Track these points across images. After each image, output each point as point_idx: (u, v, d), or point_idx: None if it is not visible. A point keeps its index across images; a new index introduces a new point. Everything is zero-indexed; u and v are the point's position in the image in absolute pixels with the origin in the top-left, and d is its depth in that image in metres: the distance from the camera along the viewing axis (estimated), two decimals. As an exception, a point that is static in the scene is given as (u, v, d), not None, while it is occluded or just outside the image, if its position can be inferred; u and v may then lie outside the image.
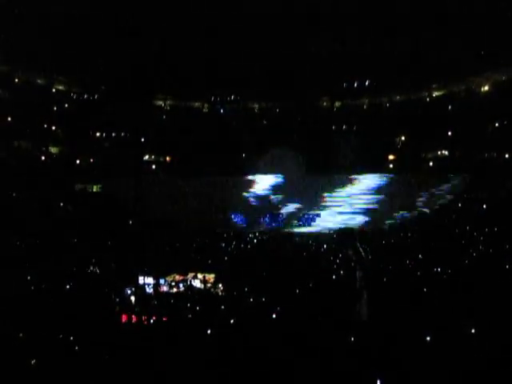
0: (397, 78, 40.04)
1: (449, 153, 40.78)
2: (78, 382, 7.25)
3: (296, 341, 8.84)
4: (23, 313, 10.94)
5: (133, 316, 11.57)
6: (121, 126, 41.22)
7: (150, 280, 15.09)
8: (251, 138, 43.41)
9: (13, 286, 13.90)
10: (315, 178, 39.08)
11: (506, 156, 36.00)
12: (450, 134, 39.75)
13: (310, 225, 37.80)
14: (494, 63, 36.79)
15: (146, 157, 42.87)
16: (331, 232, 34.57)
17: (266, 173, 41.13)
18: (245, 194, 40.30)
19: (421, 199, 37.13)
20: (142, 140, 41.10)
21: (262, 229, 37.02)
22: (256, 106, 46.28)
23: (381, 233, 32.96)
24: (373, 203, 38.14)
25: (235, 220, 38.92)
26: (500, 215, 27.61)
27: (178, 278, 16.11)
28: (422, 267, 17.79)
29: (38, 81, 40.99)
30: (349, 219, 37.43)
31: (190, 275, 16.15)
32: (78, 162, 40.63)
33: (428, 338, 8.81)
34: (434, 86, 42.49)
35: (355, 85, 40.82)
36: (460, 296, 12.47)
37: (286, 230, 36.54)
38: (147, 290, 14.84)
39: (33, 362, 7.65)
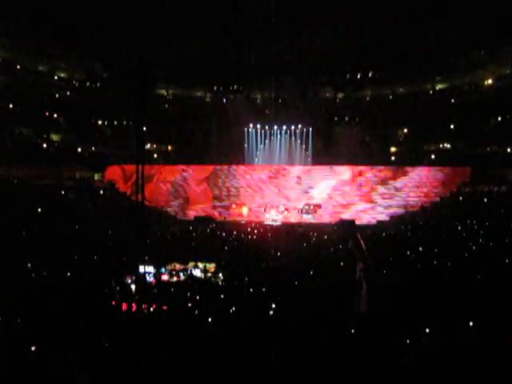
0: (400, 70, 39.89)
1: (451, 146, 40.75)
2: (77, 370, 7.28)
3: (295, 331, 8.87)
4: (23, 300, 10.98)
5: (133, 304, 11.61)
6: (123, 115, 41.12)
7: (150, 269, 15.13)
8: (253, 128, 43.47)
9: (13, 274, 13.93)
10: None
11: (508, 150, 35.94)
12: (452, 127, 39.70)
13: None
14: (498, 56, 36.60)
15: (148, 145, 42.83)
16: (332, 223, 34.66)
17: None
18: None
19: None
20: (144, 129, 41.01)
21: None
22: (259, 95, 46.16)
23: (382, 225, 33.06)
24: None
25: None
26: (501, 209, 27.63)
27: (178, 266, 16.17)
28: (422, 259, 17.83)
29: (40, 68, 40.84)
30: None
31: (191, 264, 16.21)
32: (79, 150, 40.61)
33: (427, 330, 8.84)
34: (437, 78, 42.31)
35: (358, 76, 40.60)
36: (460, 289, 12.49)
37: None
38: (148, 278, 14.87)
39: (33, 348, 7.69)
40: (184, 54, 37.31)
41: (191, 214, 38.40)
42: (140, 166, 11.88)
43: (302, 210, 38.20)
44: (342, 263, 17.73)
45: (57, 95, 41.39)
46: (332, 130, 41.69)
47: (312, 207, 38.06)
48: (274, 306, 11.20)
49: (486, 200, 31.27)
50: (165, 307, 11.41)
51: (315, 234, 27.45)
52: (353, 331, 9.12)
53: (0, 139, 33.33)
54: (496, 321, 9.04)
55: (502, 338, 8.02)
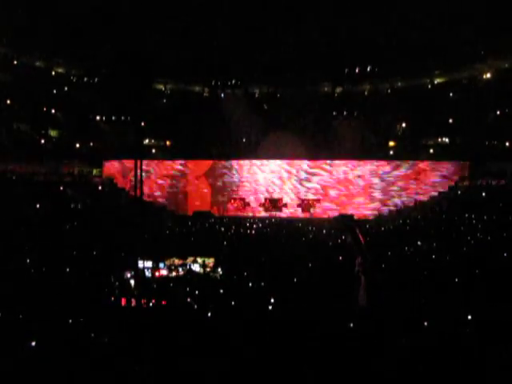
0: (398, 64, 39.80)
1: (450, 140, 40.71)
2: (77, 364, 7.30)
3: (295, 326, 8.89)
4: (23, 295, 11.00)
5: (132, 299, 11.64)
6: (121, 110, 41.04)
7: (149, 264, 15.16)
8: (252, 123, 43.35)
9: (13, 269, 13.95)
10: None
11: (507, 144, 35.92)
12: (451, 121, 39.65)
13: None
14: (497, 50, 36.53)
15: (146, 141, 42.75)
16: (331, 217, 34.71)
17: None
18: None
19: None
20: (142, 124, 40.99)
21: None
22: (257, 90, 46.07)
23: (380, 219, 33.12)
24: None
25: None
26: (499, 203, 27.64)
27: (177, 261, 16.19)
28: (420, 253, 17.87)
29: (38, 63, 40.69)
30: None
31: (190, 259, 16.23)
32: (77, 145, 40.51)
33: (426, 323, 8.87)
34: (435, 72, 42.24)
35: (356, 70, 40.57)
36: (458, 283, 12.53)
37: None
38: (146, 273, 14.91)
39: (33, 343, 7.71)
40: (182, 49, 37.21)
41: (190, 208, 38.42)
42: (138, 161, 11.90)
43: (300, 205, 38.22)
44: (340, 257, 17.76)
45: (54, 91, 41.25)
46: (330, 124, 41.62)
47: (311, 202, 38.09)
48: (272, 300, 11.22)
49: (484, 194, 31.27)
50: (164, 302, 11.44)
51: (314, 229, 27.48)
52: (351, 325, 9.14)
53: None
54: (495, 314, 9.07)
55: (500, 331, 8.05)
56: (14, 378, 6.81)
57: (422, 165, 37.53)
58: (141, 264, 15.10)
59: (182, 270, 15.55)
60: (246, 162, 40.25)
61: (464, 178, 35.53)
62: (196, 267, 15.71)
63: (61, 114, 40.96)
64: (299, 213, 37.79)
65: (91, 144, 41.59)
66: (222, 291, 12.62)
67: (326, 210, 37.64)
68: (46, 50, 38.88)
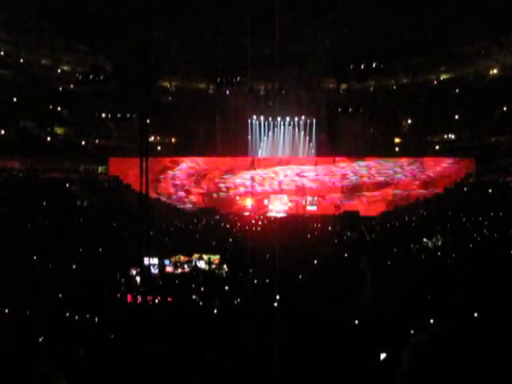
0: (404, 60, 39.67)
1: (455, 136, 40.55)
2: (82, 361, 7.32)
3: (299, 322, 8.91)
4: (29, 292, 11.06)
5: (138, 296, 11.67)
6: (126, 107, 41.11)
7: (155, 261, 15.18)
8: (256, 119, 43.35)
9: (19, 265, 14.02)
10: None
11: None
12: (456, 117, 39.49)
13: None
14: (503, 46, 36.35)
15: (151, 138, 42.80)
16: (336, 214, 34.63)
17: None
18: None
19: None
20: (148, 121, 40.98)
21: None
22: (262, 87, 45.98)
23: (386, 216, 33.06)
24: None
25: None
26: (506, 200, 27.54)
27: (182, 258, 16.23)
28: (426, 251, 17.83)
29: (43, 61, 40.81)
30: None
31: (195, 256, 16.26)
32: (83, 142, 40.63)
33: (431, 321, 8.86)
34: (441, 68, 42.07)
35: (362, 67, 40.42)
36: (464, 280, 12.49)
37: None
38: (152, 270, 14.93)
39: (40, 339, 7.75)
40: (187, 46, 37.18)
41: (195, 205, 38.48)
42: (144, 159, 11.90)
43: (305, 201, 38.14)
44: (345, 255, 17.74)
45: (60, 88, 41.37)
46: (335, 121, 41.52)
47: (316, 198, 38.01)
48: (278, 297, 11.23)
49: (490, 191, 31.16)
50: (169, 299, 11.48)
51: (319, 225, 27.46)
52: (356, 323, 9.15)
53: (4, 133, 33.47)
54: (500, 312, 9.05)
55: (505, 329, 8.03)
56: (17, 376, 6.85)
57: (428, 161, 37.40)
58: (146, 261, 15.14)
59: (188, 266, 15.59)
60: (251, 159, 40.30)
61: (470, 174, 35.39)
62: (202, 264, 15.74)
63: (66, 112, 41.09)
64: (305, 209, 37.73)
65: (97, 141, 41.71)
66: (227, 288, 12.65)
67: (331, 206, 37.57)
68: (51, 48, 39.00)
